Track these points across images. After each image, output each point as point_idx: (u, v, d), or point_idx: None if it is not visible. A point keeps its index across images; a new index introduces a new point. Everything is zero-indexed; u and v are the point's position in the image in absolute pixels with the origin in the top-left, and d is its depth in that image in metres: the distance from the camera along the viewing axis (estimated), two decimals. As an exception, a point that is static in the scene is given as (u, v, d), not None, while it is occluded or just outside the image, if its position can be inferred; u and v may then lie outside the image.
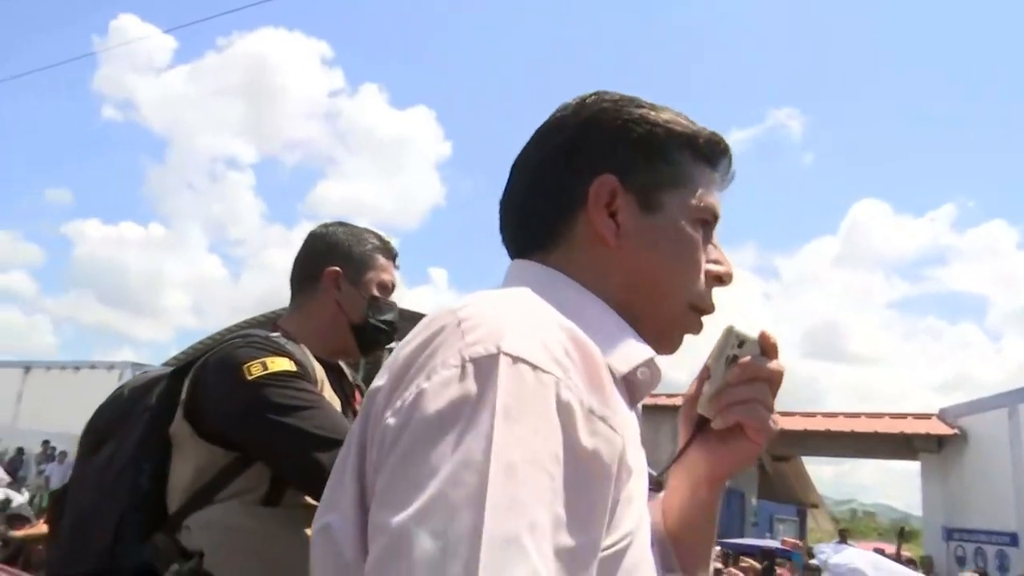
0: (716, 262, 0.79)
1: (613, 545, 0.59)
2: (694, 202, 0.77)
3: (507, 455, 0.53)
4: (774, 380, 0.77)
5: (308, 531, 1.28)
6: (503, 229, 0.82)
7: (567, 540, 0.53)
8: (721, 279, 0.79)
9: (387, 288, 1.59)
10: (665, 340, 0.77)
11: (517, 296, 0.67)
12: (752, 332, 0.78)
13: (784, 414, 15.20)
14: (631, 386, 0.71)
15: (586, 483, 0.56)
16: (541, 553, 0.51)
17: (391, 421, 0.58)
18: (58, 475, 15.25)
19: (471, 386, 0.56)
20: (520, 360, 0.56)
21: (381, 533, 0.53)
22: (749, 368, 0.76)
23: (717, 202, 0.79)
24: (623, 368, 0.68)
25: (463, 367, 0.57)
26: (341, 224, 1.62)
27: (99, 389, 1.62)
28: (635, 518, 0.62)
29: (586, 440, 0.56)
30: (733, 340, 0.78)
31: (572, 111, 0.79)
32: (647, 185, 0.75)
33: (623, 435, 0.60)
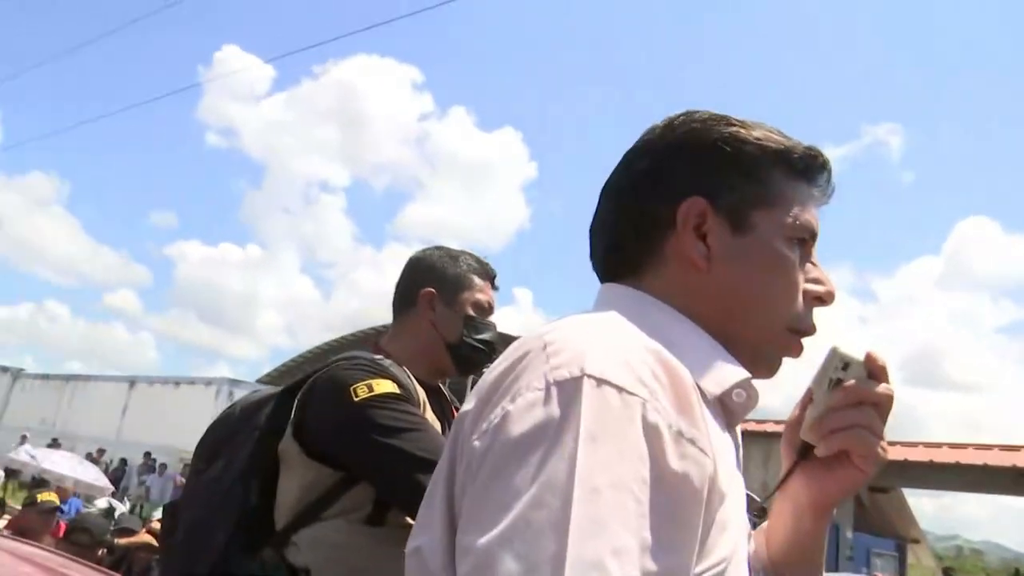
0: (816, 281, 0.76)
1: (706, 571, 0.57)
2: (789, 220, 0.74)
3: (591, 478, 0.52)
4: (882, 404, 0.72)
5: None
6: (593, 255, 0.82)
7: (653, 565, 0.52)
8: (822, 299, 0.76)
9: (484, 308, 1.60)
10: (762, 363, 0.75)
11: (603, 319, 0.67)
12: (858, 353, 0.73)
13: (882, 443, 14.55)
14: (726, 409, 0.69)
15: (675, 507, 0.55)
16: None
17: (477, 444, 0.59)
18: (158, 486, 15.97)
19: (555, 409, 0.56)
20: (605, 382, 0.56)
21: (467, 554, 0.54)
22: (854, 391, 0.72)
23: (814, 219, 0.76)
24: (716, 390, 0.67)
25: (547, 390, 0.57)
26: (438, 248, 1.65)
27: (198, 404, 1.68)
28: (730, 544, 0.60)
29: (675, 463, 0.55)
30: (837, 362, 0.73)
31: (659, 134, 0.78)
32: (738, 206, 0.74)
33: (714, 458, 0.59)
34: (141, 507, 14.57)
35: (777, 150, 0.75)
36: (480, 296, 1.60)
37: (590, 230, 0.82)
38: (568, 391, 0.56)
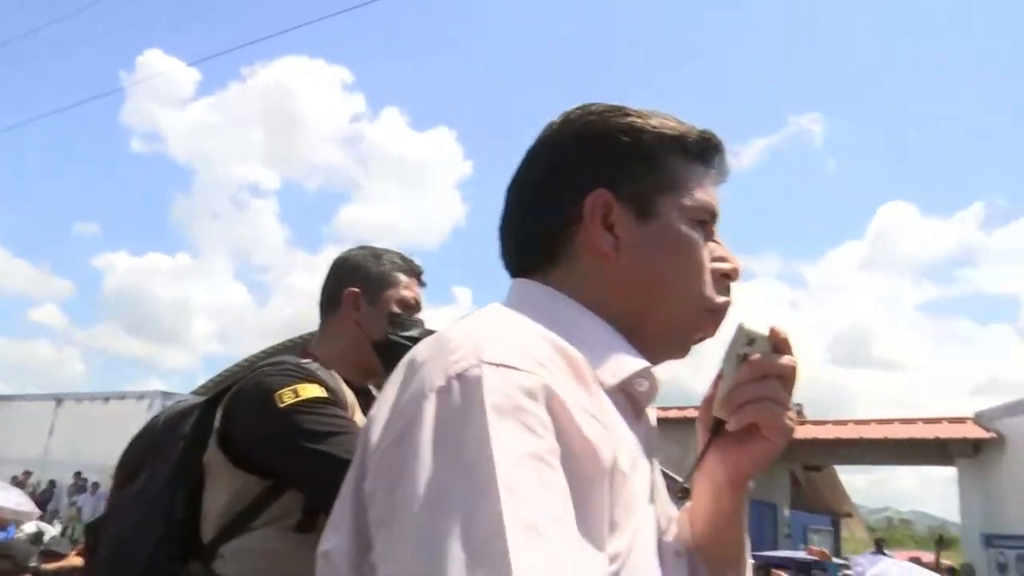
0: (721, 259, 0.78)
1: (614, 551, 0.59)
2: (689, 203, 0.76)
3: (508, 450, 0.53)
4: (787, 376, 0.73)
5: None
6: (503, 254, 0.83)
7: (575, 529, 0.54)
8: (728, 276, 0.79)
9: (409, 305, 1.58)
10: (676, 344, 0.78)
11: (498, 315, 0.69)
12: (763, 328, 0.75)
13: (815, 423, 15.05)
14: (632, 399, 0.71)
15: (586, 477, 0.57)
16: (556, 538, 0.52)
17: (386, 446, 0.60)
18: (90, 506, 15.37)
19: (456, 398, 0.57)
20: (503, 365, 0.58)
21: (399, 553, 0.54)
22: (759, 365, 0.73)
23: (713, 199, 0.79)
24: (611, 380, 0.69)
25: (448, 383, 0.58)
26: (362, 247, 1.64)
27: (129, 419, 1.63)
28: (634, 525, 0.62)
29: (580, 435, 0.58)
30: (743, 338, 0.75)
31: (557, 129, 0.79)
32: (640, 193, 0.75)
33: (614, 436, 0.61)
34: (73, 529, 14.02)
35: (673, 135, 0.77)
36: (405, 293, 1.58)
37: (499, 229, 0.83)
38: (469, 381, 0.57)
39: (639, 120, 0.77)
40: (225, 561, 1.30)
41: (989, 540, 11.89)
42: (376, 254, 1.61)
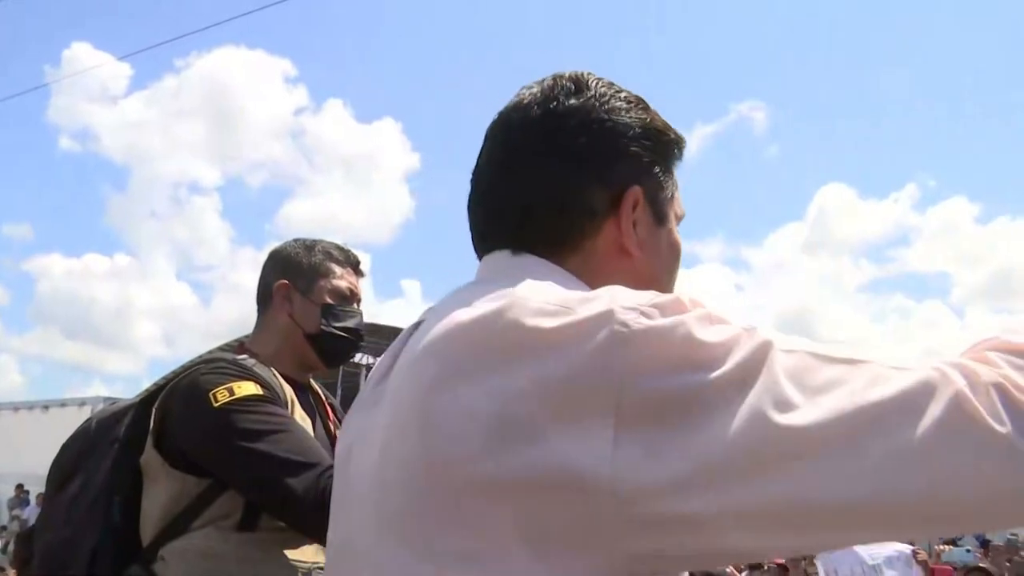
0: None
1: None
2: (679, 212, 0.80)
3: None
4: None
5: (287, 553, 1.29)
6: (495, 218, 0.76)
7: None
8: None
9: (344, 295, 1.54)
10: None
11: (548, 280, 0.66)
12: None
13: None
14: None
15: None
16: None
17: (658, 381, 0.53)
18: (35, 518, 14.93)
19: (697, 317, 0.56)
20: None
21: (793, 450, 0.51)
22: None
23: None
24: None
25: (642, 311, 0.55)
26: (295, 240, 1.60)
27: (71, 427, 1.58)
28: None
29: None
30: None
31: (589, 105, 0.74)
32: (660, 197, 0.76)
33: None
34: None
35: (676, 141, 0.79)
36: (339, 283, 1.54)
37: (486, 190, 0.77)
38: (672, 305, 0.56)
39: (661, 121, 0.78)
40: (166, 563, 1.28)
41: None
42: (308, 246, 1.57)
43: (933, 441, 0.50)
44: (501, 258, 0.74)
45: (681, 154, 0.80)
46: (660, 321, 0.54)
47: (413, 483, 0.57)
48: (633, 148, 0.74)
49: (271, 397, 1.34)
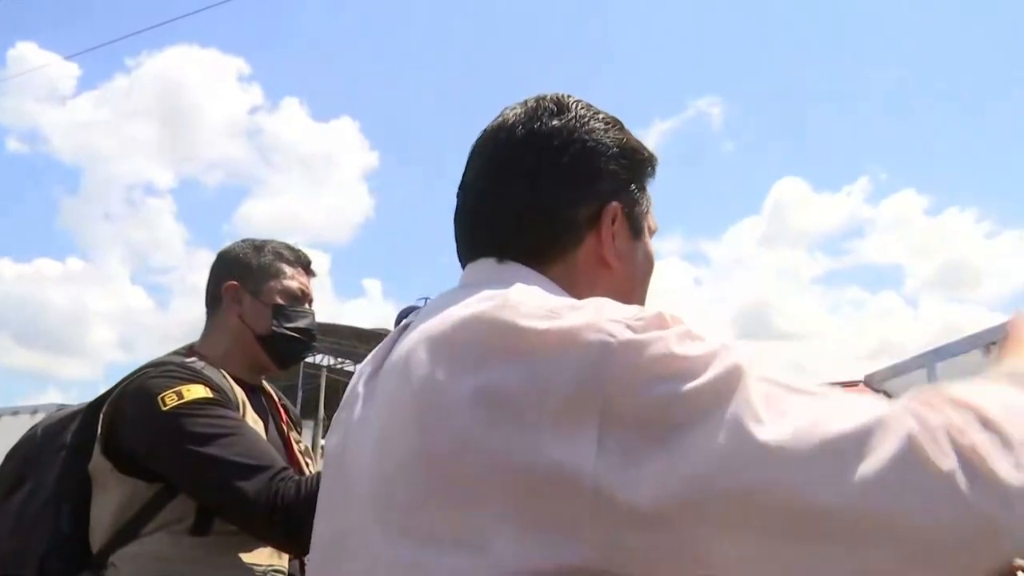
0: None
1: None
2: (653, 224, 0.84)
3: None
4: None
5: (241, 557, 1.28)
6: (477, 231, 0.80)
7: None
8: None
9: (295, 296, 1.53)
10: None
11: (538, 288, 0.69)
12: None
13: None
14: None
15: None
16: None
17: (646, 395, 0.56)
18: (-14, 530, 14.52)
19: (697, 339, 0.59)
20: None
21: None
22: None
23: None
24: None
25: (643, 320, 0.58)
26: (244, 240, 1.58)
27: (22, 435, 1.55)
28: None
29: None
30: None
31: (572, 125, 0.79)
32: (636, 212, 0.81)
33: None
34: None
35: (650, 159, 0.84)
36: (289, 283, 1.53)
37: (475, 203, 0.81)
38: (657, 321, 0.59)
39: (635, 140, 0.83)
40: (117, 569, 1.27)
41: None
42: (257, 246, 1.55)
43: (887, 470, 0.53)
44: (487, 264, 0.78)
45: (654, 171, 0.84)
46: (643, 335, 0.57)
47: (413, 475, 0.59)
48: (612, 167, 0.79)
49: (221, 400, 1.33)
